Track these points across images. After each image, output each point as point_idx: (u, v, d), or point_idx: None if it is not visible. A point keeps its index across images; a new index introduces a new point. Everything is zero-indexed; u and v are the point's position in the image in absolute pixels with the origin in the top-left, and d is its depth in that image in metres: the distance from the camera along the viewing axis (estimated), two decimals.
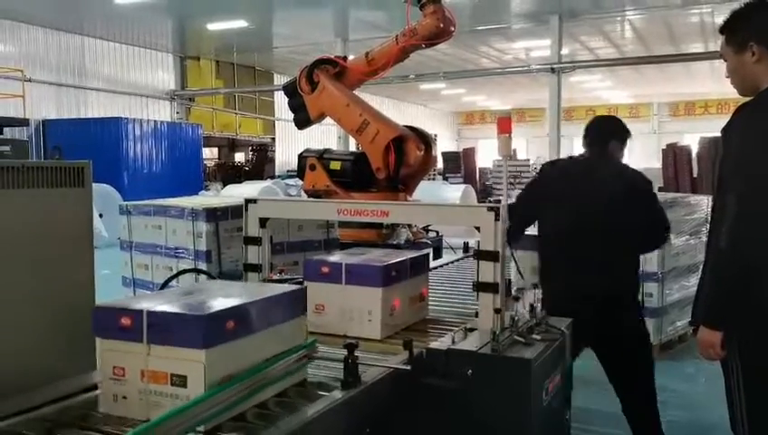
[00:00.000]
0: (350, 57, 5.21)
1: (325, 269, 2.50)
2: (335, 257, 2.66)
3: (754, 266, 2.11)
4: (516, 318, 2.29)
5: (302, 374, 1.93)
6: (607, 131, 3.46)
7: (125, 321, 1.63)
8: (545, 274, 3.23)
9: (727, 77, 2.37)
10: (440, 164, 22.28)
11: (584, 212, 3.09)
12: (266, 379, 1.75)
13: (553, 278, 3.12)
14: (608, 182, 3.20)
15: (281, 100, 19.70)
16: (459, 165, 22.10)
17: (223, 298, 1.79)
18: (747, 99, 2.29)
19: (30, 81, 15.48)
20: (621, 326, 3.17)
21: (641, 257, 3.47)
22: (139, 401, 1.64)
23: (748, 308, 2.15)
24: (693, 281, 5.57)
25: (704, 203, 5.78)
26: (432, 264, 3.87)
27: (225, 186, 17.23)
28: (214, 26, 16.94)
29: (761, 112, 2.19)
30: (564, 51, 16.99)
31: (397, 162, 4.50)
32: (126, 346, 1.65)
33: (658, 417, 3.27)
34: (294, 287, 2.00)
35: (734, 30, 2.27)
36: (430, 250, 4.99)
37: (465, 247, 4.56)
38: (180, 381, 1.58)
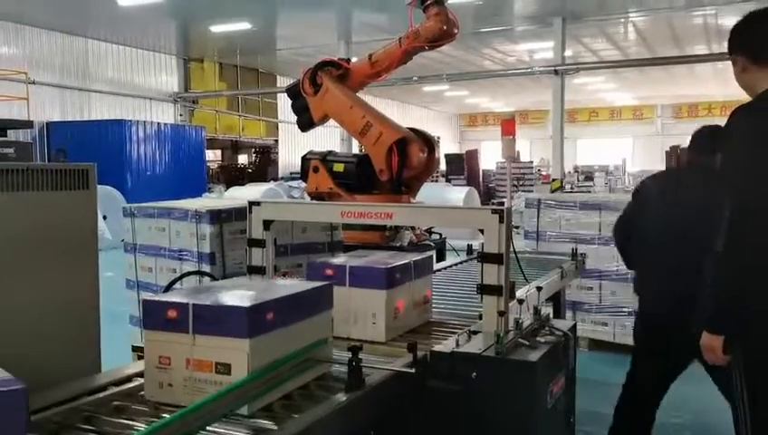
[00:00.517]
0: (354, 59, 5.22)
1: (329, 271, 2.50)
2: (339, 260, 2.65)
3: (753, 269, 2.11)
4: (520, 321, 2.29)
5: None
6: (716, 141, 3.34)
7: (172, 313, 1.74)
8: (646, 283, 3.29)
9: None
10: (443, 166, 22.30)
11: (685, 221, 3.07)
12: (274, 380, 1.75)
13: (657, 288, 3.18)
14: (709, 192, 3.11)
15: (284, 102, 19.68)
16: (462, 167, 22.12)
17: (262, 292, 1.89)
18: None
19: (34, 83, 15.52)
20: None
21: None
22: (183, 388, 1.73)
23: (749, 312, 2.15)
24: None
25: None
26: (435, 266, 3.87)
27: (228, 188, 17.27)
28: (217, 28, 16.97)
29: (753, 115, 2.22)
30: (568, 53, 16.99)
31: (400, 164, 4.50)
32: (172, 337, 1.75)
33: None
34: (323, 283, 2.10)
35: (728, 45, 2.41)
36: (434, 252, 4.99)
37: (469, 250, 4.55)
38: (225, 368, 1.69)
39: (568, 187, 19.60)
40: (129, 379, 1.97)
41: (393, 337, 2.44)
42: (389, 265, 2.47)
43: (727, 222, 2.13)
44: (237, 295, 1.85)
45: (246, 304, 1.73)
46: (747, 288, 2.13)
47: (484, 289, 2.38)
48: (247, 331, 1.67)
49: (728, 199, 2.15)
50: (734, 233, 2.11)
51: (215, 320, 1.70)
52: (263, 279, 2.72)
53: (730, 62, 2.40)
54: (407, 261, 2.58)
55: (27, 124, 14.57)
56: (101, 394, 1.84)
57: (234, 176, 22.74)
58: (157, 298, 1.90)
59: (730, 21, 2.41)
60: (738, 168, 2.18)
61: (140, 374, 1.98)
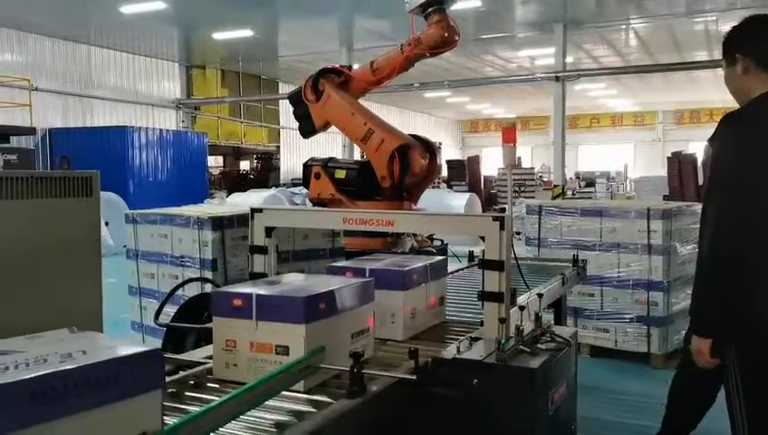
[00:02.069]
0: (355, 66, 5.24)
1: (349, 274, 2.57)
2: (359, 263, 2.76)
3: (741, 272, 2.12)
4: (521, 327, 2.29)
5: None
6: None
7: (237, 302, 1.98)
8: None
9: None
10: (445, 172, 22.31)
11: None
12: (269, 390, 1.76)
13: None
14: None
15: (286, 108, 19.76)
16: (464, 173, 22.11)
17: (315, 285, 2.10)
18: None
19: (36, 90, 15.59)
20: None
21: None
22: (247, 367, 1.96)
23: (744, 317, 2.16)
24: None
25: None
26: None
27: (230, 194, 17.29)
28: (219, 36, 17.04)
29: (741, 122, 2.24)
30: (569, 59, 17.02)
31: (401, 171, 4.51)
32: (237, 323, 1.98)
33: None
34: (367, 279, 2.32)
35: (726, 45, 2.39)
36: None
37: (470, 256, 4.55)
38: (283, 350, 1.93)
39: (569, 193, 19.62)
40: None
41: (410, 336, 2.54)
42: (407, 268, 2.59)
43: (709, 229, 2.16)
44: (294, 287, 2.09)
45: (303, 294, 1.95)
46: (735, 291, 2.14)
47: (485, 296, 2.39)
48: (304, 318, 1.90)
49: (714, 204, 2.18)
50: (715, 239, 2.14)
51: (275, 308, 1.94)
52: (328, 275, 2.84)
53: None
54: (423, 264, 2.70)
55: (30, 131, 14.63)
56: None
57: (236, 182, 22.77)
58: (224, 289, 2.19)
59: (731, 27, 2.41)
60: (726, 174, 2.20)
61: None
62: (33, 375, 1.12)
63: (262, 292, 2.00)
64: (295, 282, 2.23)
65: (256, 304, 1.96)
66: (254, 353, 1.96)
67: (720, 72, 2.49)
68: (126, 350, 1.32)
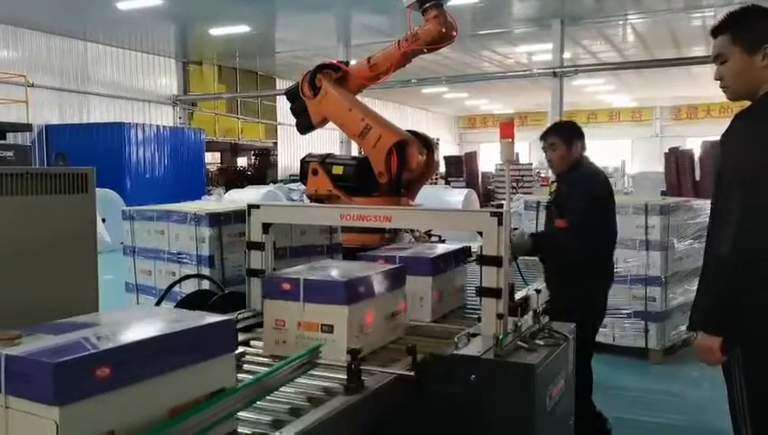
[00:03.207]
0: (353, 62, 5.22)
1: (381, 262, 2.71)
2: (388, 252, 2.97)
3: (756, 273, 2.10)
4: (519, 323, 2.29)
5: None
6: None
7: (286, 286, 2.20)
8: None
9: (718, 79, 2.31)
10: (443, 168, 22.29)
11: None
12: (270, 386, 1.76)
13: None
14: None
15: (283, 104, 19.74)
16: (462, 169, 22.10)
17: (354, 271, 2.35)
18: (746, 104, 2.28)
19: (33, 86, 15.52)
20: None
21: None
22: (295, 344, 2.18)
23: (751, 315, 2.14)
24: (696, 285, 5.55)
25: (706, 207, 5.76)
26: None
27: (227, 190, 17.26)
28: (216, 31, 16.99)
29: (761, 117, 2.19)
30: (566, 55, 17.01)
31: (399, 167, 4.49)
32: (286, 304, 2.20)
33: None
34: (399, 265, 2.58)
35: (746, 29, 2.20)
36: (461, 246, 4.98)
37: (469, 252, 4.55)
38: (328, 329, 2.15)
39: None
40: None
41: (436, 318, 2.73)
42: (434, 255, 2.84)
43: (731, 226, 2.11)
44: (337, 272, 2.33)
45: (344, 278, 2.20)
46: (750, 293, 2.12)
47: (483, 292, 2.39)
48: (346, 299, 2.13)
49: (732, 204, 2.13)
50: (738, 237, 2.09)
51: (320, 291, 2.16)
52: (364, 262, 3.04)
53: (724, 61, 2.31)
54: (447, 251, 2.95)
55: (26, 127, 14.55)
56: None
57: (233, 178, 22.74)
58: (275, 274, 2.43)
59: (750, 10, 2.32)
60: (742, 172, 2.15)
61: None
62: (156, 334, 1.43)
63: (309, 276, 2.22)
64: (339, 268, 2.47)
65: (303, 288, 2.17)
66: (302, 332, 2.17)
67: None
68: (209, 319, 1.59)
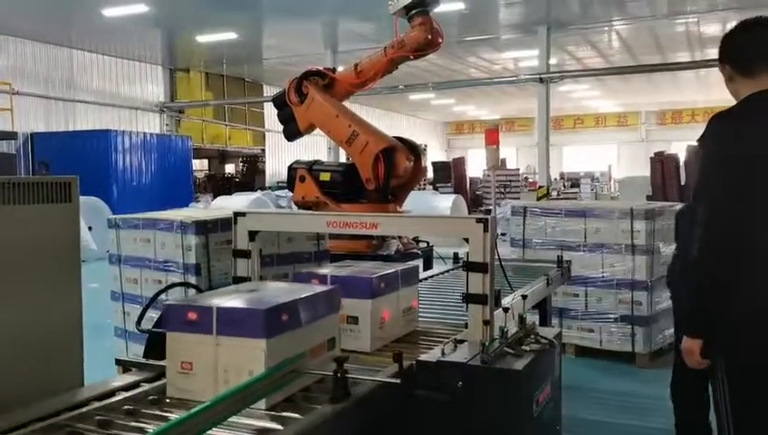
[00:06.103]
0: (339, 68, 5.23)
1: (315, 281, 2.49)
2: (324, 271, 2.65)
3: (727, 288, 2.13)
4: (506, 329, 2.29)
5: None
6: None
7: (314, 281, 2.42)
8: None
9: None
10: (430, 174, 22.33)
11: None
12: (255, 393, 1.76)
13: None
14: None
15: (270, 111, 19.71)
16: (449, 175, 22.12)
17: (377, 269, 2.58)
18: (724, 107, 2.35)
19: (18, 94, 15.42)
20: None
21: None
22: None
23: (727, 330, 2.17)
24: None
25: None
26: (422, 274, 3.87)
27: (215, 197, 17.20)
28: (203, 38, 16.96)
29: (728, 123, 2.24)
30: (552, 61, 17.12)
31: (386, 173, 4.51)
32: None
33: None
34: (413, 264, 2.90)
35: (720, 51, 2.42)
36: (421, 261, 4.99)
37: (455, 258, 4.56)
38: (353, 320, 2.41)
39: (554, 193, 19.72)
40: (112, 393, 1.94)
41: (378, 347, 2.45)
42: (375, 275, 2.49)
43: (701, 227, 2.15)
44: (364, 270, 2.57)
45: (370, 276, 2.45)
46: (723, 293, 2.14)
47: (469, 298, 2.39)
48: (370, 294, 2.41)
49: (704, 204, 2.17)
50: (705, 240, 2.13)
51: (349, 286, 2.39)
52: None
53: (712, 69, 2.43)
54: (392, 271, 2.60)
55: (11, 135, 14.46)
56: (84, 409, 1.82)
57: (221, 185, 22.67)
58: (306, 271, 2.64)
59: (712, 29, 2.44)
60: (708, 176, 2.20)
61: (124, 388, 1.97)
62: (304, 295, 1.97)
63: (337, 274, 2.51)
64: (365, 266, 2.70)
65: (331, 283, 2.40)
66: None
67: (702, 72, 2.52)
68: (321, 288, 2.15)
